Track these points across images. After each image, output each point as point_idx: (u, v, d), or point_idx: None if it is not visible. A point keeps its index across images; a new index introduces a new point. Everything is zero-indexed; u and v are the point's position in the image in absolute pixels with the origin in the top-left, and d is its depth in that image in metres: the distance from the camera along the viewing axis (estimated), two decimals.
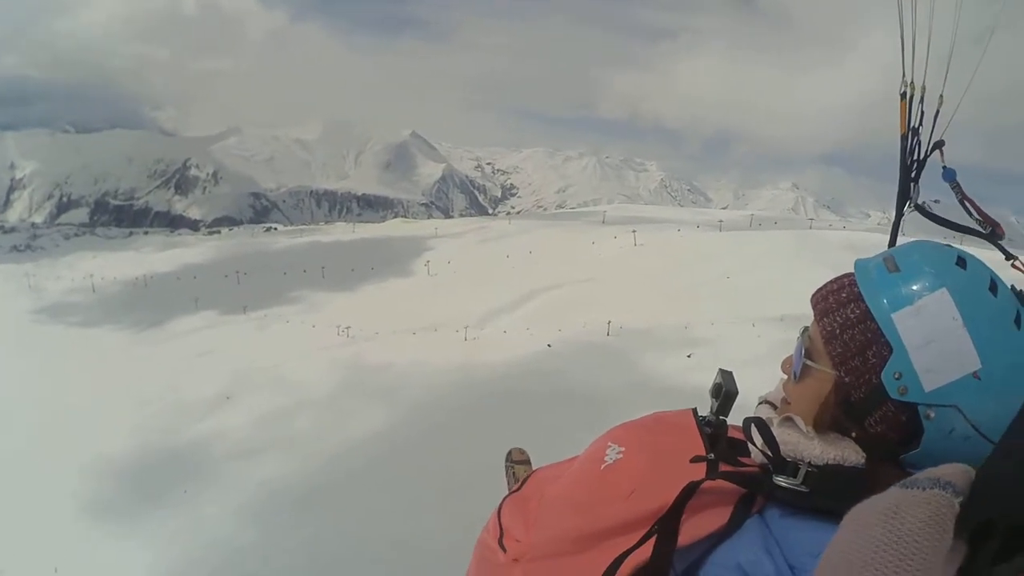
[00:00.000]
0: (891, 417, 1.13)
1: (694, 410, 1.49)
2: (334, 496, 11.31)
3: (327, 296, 36.24)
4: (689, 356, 15.98)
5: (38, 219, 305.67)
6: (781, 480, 1.17)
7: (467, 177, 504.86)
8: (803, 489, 1.14)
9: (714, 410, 1.47)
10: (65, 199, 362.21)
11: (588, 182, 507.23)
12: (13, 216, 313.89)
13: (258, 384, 19.35)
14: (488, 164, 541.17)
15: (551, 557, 1.43)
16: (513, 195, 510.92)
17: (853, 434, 1.19)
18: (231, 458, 14.27)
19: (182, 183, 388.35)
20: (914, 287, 1.12)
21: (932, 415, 1.08)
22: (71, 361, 29.28)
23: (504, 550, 1.60)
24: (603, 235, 36.21)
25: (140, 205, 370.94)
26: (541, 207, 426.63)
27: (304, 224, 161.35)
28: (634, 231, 33.95)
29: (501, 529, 1.67)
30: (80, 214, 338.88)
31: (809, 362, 1.24)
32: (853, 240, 27.27)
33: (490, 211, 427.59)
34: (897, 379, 1.09)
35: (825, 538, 0.85)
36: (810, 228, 36.45)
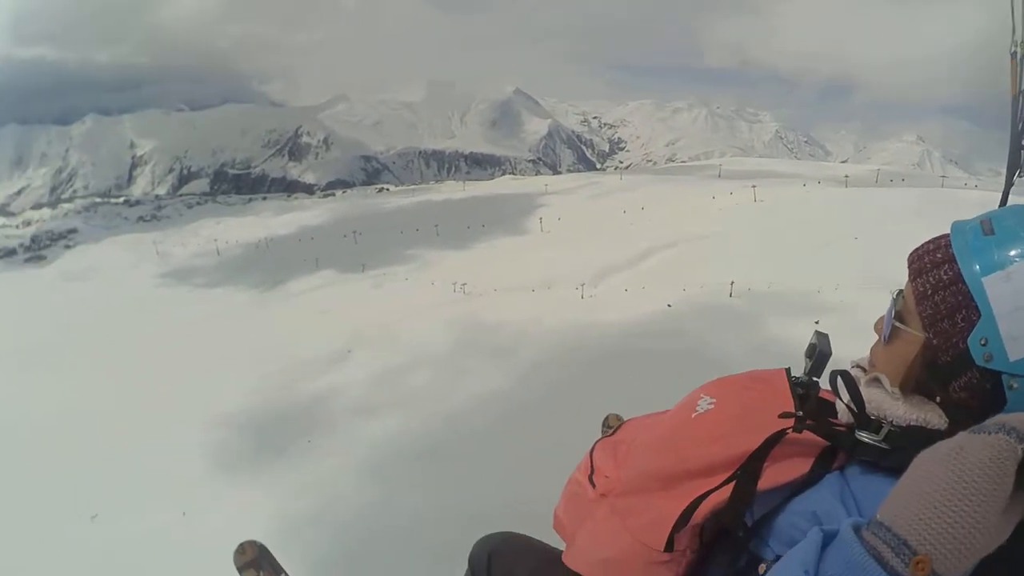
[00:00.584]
0: (975, 384, 1.11)
1: (787, 369, 1.50)
2: (452, 455, 11.26)
3: (441, 254, 36.63)
4: (817, 323, 15.19)
5: (161, 191, 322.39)
6: (864, 435, 1.19)
7: (573, 132, 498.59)
8: (884, 446, 1.15)
9: (807, 371, 1.49)
10: (185, 171, 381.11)
11: (698, 134, 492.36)
12: (137, 190, 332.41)
13: (376, 341, 19.60)
14: (594, 118, 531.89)
15: (637, 493, 1.48)
16: (621, 149, 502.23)
17: (937, 399, 1.18)
18: (351, 414, 14.48)
19: (295, 150, 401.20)
20: (1008, 252, 1.07)
21: (1015, 385, 1.06)
22: (197, 320, 30.62)
23: (593, 486, 1.66)
24: (719, 190, 35.06)
25: (257, 173, 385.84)
26: (650, 161, 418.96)
27: (414, 184, 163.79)
28: (753, 186, 32.65)
29: (592, 467, 1.73)
30: (201, 184, 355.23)
31: (899, 324, 1.24)
32: (988, 200, 25.30)
33: (598, 166, 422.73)
34: (983, 345, 1.07)
35: None
36: (942, 186, 34.21)
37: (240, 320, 29.49)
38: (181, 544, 9.76)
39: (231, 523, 11.28)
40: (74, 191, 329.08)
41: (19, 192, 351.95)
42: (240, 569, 3.47)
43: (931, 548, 0.78)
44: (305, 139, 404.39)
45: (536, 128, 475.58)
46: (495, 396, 13.36)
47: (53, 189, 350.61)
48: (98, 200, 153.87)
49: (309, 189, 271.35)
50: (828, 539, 0.91)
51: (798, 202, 29.14)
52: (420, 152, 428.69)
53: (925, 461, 0.86)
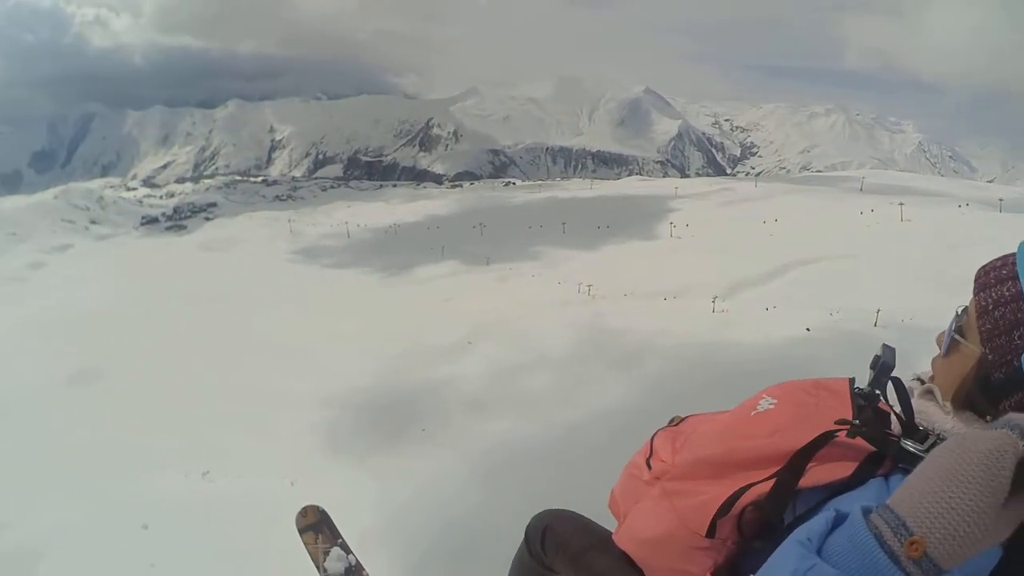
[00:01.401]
0: None
1: (852, 379, 1.48)
2: (566, 464, 10.86)
3: (568, 253, 36.21)
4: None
5: (297, 174, 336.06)
6: (909, 444, 1.18)
7: (704, 134, 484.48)
8: (919, 453, 1.15)
9: (870, 382, 1.43)
10: (321, 156, 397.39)
11: (836, 142, 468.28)
12: (275, 171, 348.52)
13: (497, 336, 19.39)
14: (726, 120, 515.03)
15: (688, 478, 1.50)
16: (753, 154, 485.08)
17: (988, 417, 1.16)
18: (467, 407, 14.32)
19: (426, 141, 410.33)
20: None
21: None
22: (324, 298, 31.44)
23: (649, 468, 1.69)
24: (862, 205, 33.17)
25: (388, 161, 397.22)
26: (784, 168, 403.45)
27: (541, 180, 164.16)
28: (900, 204, 30.65)
29: (652, 451, 1.75)
30: (335, 169, 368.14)
31: (958, 336, 1.23)
32: None
33: (728, 170, 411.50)
34: None
35: None
36: None
37: (365, 301, 30.06)
38: (284, 511, 9.83)
39: (337, 499, 11.31)
40: (216, 169, 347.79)
41: (164, 167, 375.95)
42: (301, 531, 3.65)
43: (926, 531, 0.82)
44: (436, 131, 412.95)
45: (665, 128, 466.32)
46: (616, 408, 12.84)
47: (196, 166, 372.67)
48: (238, 178, 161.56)
49: (437, 179, 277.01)
50: (840, 519, 0.97)
51: (950, 225, 27.09)
52: (547, 148, 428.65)
53: (936, 452, 0.91)
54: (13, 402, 19.56)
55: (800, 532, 0.96)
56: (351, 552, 3.59)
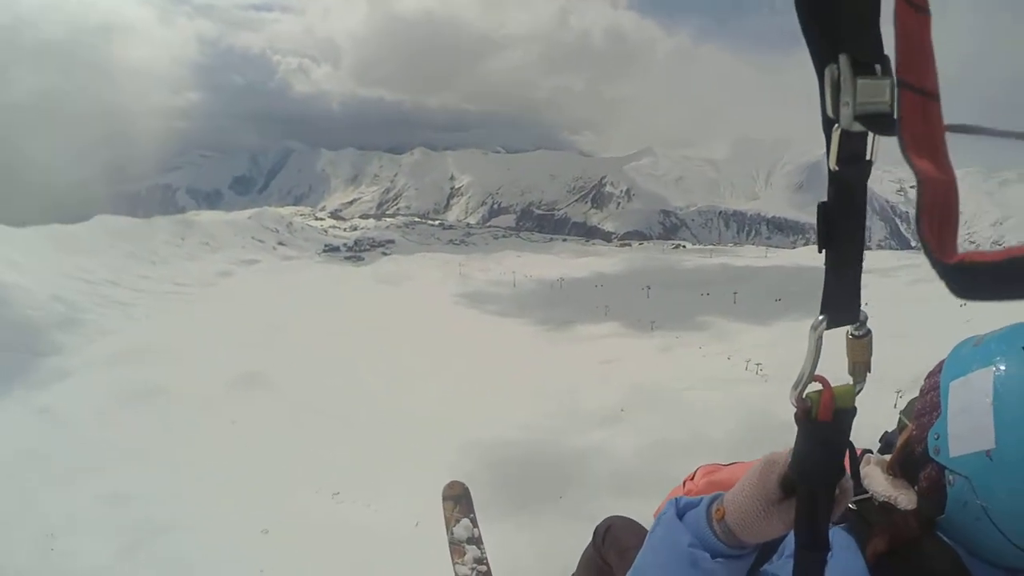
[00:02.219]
0: (933, 476, 1.24)
1: (865, 451, 1.59)
2: None
3: (737, 326, 34.24)
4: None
5: (472, 221, 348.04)
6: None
7: (887, 202, 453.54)
8: (853, 507, 1.32)
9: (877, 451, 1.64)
10: (496, 206, 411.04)
11: None
12: (452, 216, 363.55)
13: (653, 407, 18.41)
14: (912, 187, 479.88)
15: (703, 492, 1.55)
16: None
17: (915, 486, 1.30)
18: (611, 481, 13.45)
19: (598, 198, 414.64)
20: (974, 361, 1.21)
21: (952, 480, 1.18)
22: (484, 343, 31.38)
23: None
24: None
25: (560, 215, 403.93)
26: (973, 242, 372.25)
27: (712, 244, 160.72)
28: None
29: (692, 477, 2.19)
30: (508, 219, 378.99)
31: (902, 414, 1.44)
32: None
33: (913, 243, 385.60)
34: (936, 439, 1.22)
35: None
36: None
37: (522, 353, 29.69)
38: (401, 547, 9.64)
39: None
40: (397, 209, 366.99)
41: (351, 202, 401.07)
42: (444, 498, 4.13)
43: (727, 503, 1.17)
44: (608, 188, 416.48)
45: None
46: None
47: (380, 205, 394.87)
48: (417, 220, 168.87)
49: (607, 237, 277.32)
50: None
51: None
52: (720, 212, 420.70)
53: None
54: (180, 393, 20.90)
55: (671, 503, 1.34)
56: (477, 527, 4.10)
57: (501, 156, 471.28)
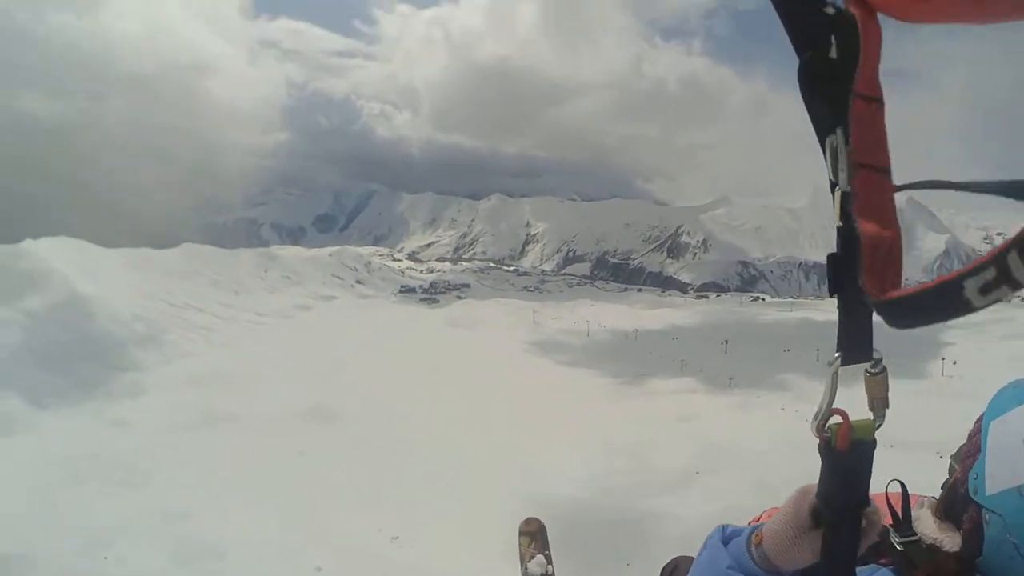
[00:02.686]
0: (974, 517, 1.22)
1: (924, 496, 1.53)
2: None
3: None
4: None
5: (547, 268, 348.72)
6: (895, 539, 1.32)
7: (975, 251, 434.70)
8: (899, 548, 1.30)
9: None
10: (571, 254, 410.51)
11: None
12: (526, 263, 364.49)
13: (729, 471, 17.65)
14: (998, 235, 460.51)
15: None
16: None
17: (960, 530, 1.27)
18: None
19: (674, 248, 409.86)
20: (1012, 400, 1.20)
21: (988, 520, 1.16)
22: (552, 394, 30.79)
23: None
24: None
25: (635, 265, 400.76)
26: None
27: (792, 296, 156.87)
28: None
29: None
30: (583, 268, 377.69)
31: (952, 459, 1.37)
32: None
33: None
34: (974, 479, 1.20)
35: None
36: None
37: (593, 406, 29.05)
38: None
39: None
40: (473, 253, 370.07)
41: (428, 245, 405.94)
42: (520, 533, 3.93)
43: (765, 531, 1.17)
44: (684, 238, 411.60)
45: (931, 244, 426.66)
46: None
47: (456, 249, 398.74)
48: (492, 265, 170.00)
49: (683, 288, 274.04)
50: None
51: None
52: (800, 263, 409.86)
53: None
54: (250, 419, 21.05)
55: (716, 531, 1.31)
56: (551, 564, 3.85)
57: (576, 204, 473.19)
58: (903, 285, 0.84)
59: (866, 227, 0.92)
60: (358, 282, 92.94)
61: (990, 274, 0.69)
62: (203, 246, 71.66)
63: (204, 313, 48.38)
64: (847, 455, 1.05)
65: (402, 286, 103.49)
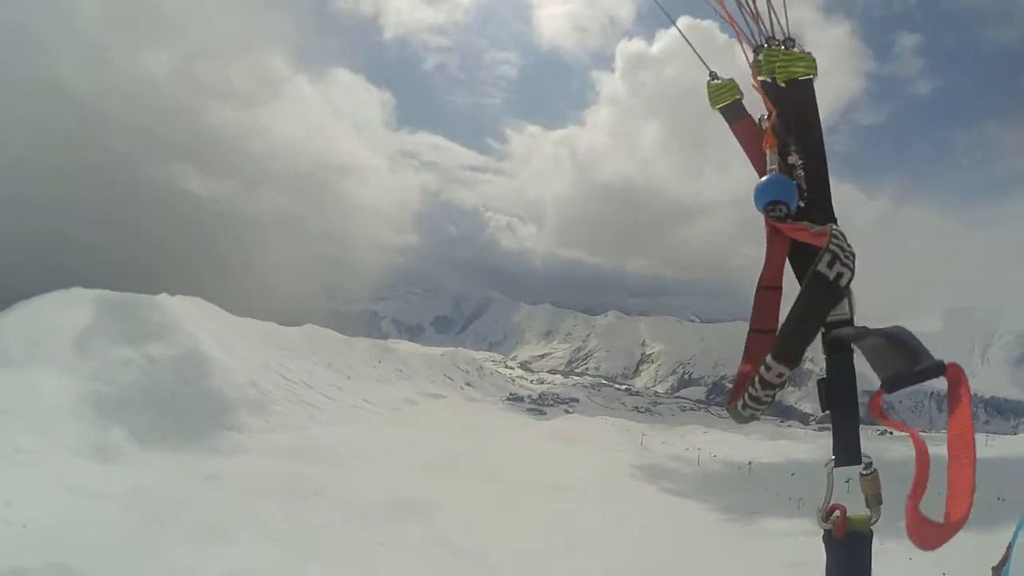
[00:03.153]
0: None
1: None
2: None
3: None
4: None
5: (660, 389, 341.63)
6: None
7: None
8: None
9: None
10: (686, 376, 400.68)
11: None
12: (639, 383, 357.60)
13: None
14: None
15: None
16: None
17: None
18: None
19: (797, 375, 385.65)
20: None
21: None
22: (655, 526, 28.76)
23: None
24: None
25: None
26: None
27: (922, 430, 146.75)
28: None
29: None
30: (698, 391, 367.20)
31: (992, 569, 1.49)
32: None
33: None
34: None
35: None
36: None
37: (700, 541, 26.87)
38: None
39: None
40: (586, 368, 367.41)
41: (541, 356, 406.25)
42: None
43: None
44: (807, 365, 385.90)
45: None
46: None
47: (569, 362, 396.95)
48: (604, 382, 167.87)
49: (804, 418, 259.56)
50: None
51: None
52: (932, 392, 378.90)
53: None
54: (338, 500, 20.54)
55: None
56: None
57: (695, 325, 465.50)
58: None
59: (743, 367, 1.62)
60: (467, 384, 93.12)
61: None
62: (325, 329, 73.79)
63: (314, 392, 49.23)
64: (845, 544, 1.27)
65: (511, 394, 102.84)
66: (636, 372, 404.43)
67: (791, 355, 1.43)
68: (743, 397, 1.51)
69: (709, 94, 1.93)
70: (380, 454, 31.81)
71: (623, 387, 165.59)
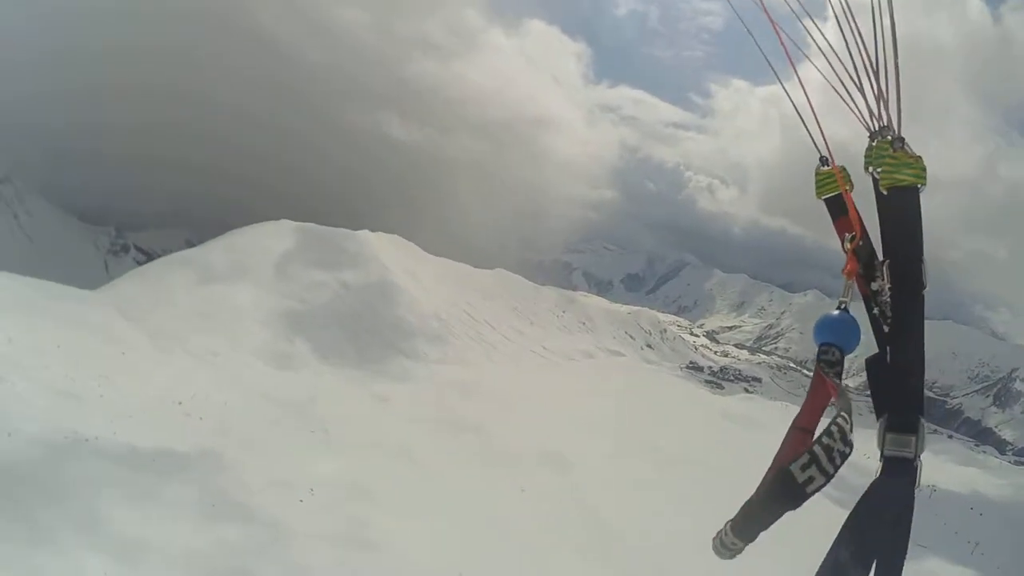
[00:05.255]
0: None
1: None
2: None
3: None
4: None
5: (851, 383, 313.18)
6: None
7: None
8: None
9: None
10: None
11: None
12: None
13: None
14: None
15: None
16: None
17: None
18: None
19: (1001, 395, 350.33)
20: None
21: None
22: (815, 531, 27.22)
23: None
24: None
25: (953, 405, 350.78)
26: None
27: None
28: None
29: None
30: None
31: None
32: None
33: None
34: None
35: None
36: None
37: None
38: None
39: None
40: (775, 348, 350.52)
41: (730, 328, 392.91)
42: None
43: None
44: (1018, 385, 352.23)
45: None
46: None
47: (758, 339, 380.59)
48: (792, 366, 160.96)
49: (1001, 446, 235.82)
50: None
51: None
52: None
53: None
54: (493, 437, 21.48)
55: None
56: None
57: None
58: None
59: (779, 455, 1.69)
60: (648, 346, 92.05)
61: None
62: (515, 275, 74.98)
63: (495, 332, 50.57)
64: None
65: (691, 362, 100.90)
66: None
67: (747, 535, 1.49)
68: (718, 537, 1.55)
69: (816, 181, 1.86)
70: (544, 401, 32.35)
71: (811, 374, 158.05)
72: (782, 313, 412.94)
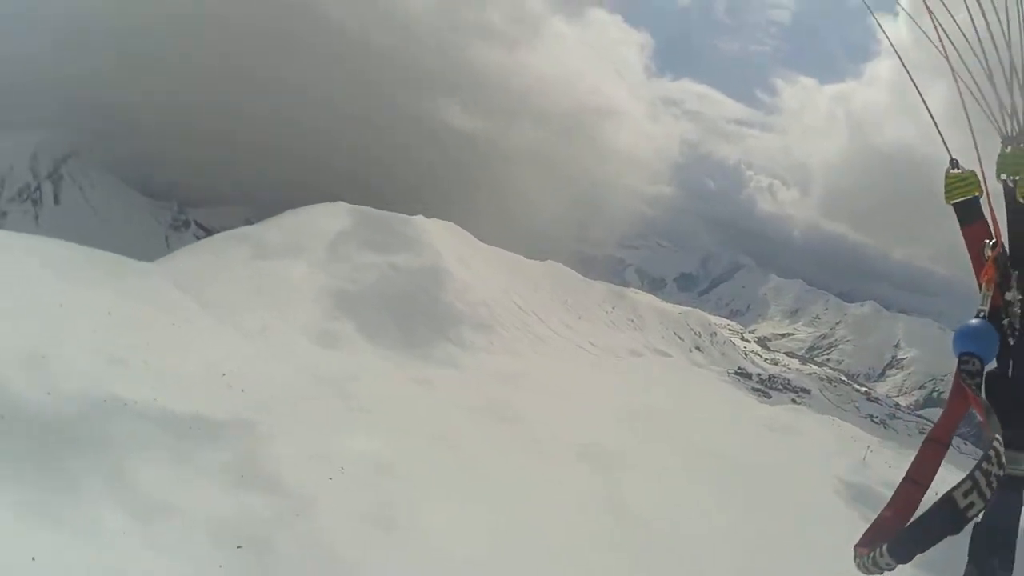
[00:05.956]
0: None
1: None
2: None
3: None
4: None
5: (903, 402, 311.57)
6: None
7: None
8: None
9: None
10: (936, 395, 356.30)
11: None
12: (881, 389, 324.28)
13: None
14: None
15: None
16: None
17: None
18: None
19: None
20: None
21: None
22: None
23: None
24: None
25: None
26: None
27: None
28: None
29: None
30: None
31: None
32: None
33: None
34: None
35: None
36: None
37: None
38: None
39: None
40: (827, 360, 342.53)
41: (782, 335, 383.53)
42: None
43: None
44: None
45: None
46: None
47: (811, 348, 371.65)
48: (843, 379, 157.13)
49: None
50: None
51: None
52: None
53: None
54: (534, 428, 21.51)
55: None
56: None
57: None
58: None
59: (885, 511, 1.68)
60: (696, 348, 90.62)
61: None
62: (567, 268, 74.54)
63: (544, 325, 50.40)
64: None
65: (739, 368, 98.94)
66: (881, 376, 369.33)
67: (903, 556, 1.46)
68: (871, 555, 1.51)
69: (945, 185, 1.81)
70: (588, 396, 32.14)
71: (862, 389, 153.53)
72: (837, 323, 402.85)
